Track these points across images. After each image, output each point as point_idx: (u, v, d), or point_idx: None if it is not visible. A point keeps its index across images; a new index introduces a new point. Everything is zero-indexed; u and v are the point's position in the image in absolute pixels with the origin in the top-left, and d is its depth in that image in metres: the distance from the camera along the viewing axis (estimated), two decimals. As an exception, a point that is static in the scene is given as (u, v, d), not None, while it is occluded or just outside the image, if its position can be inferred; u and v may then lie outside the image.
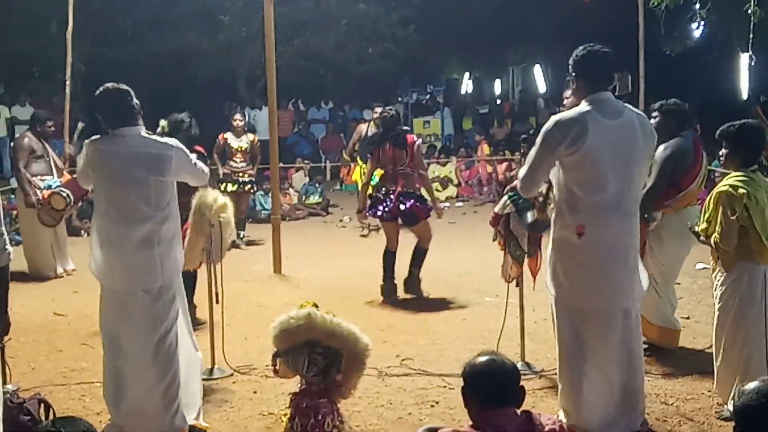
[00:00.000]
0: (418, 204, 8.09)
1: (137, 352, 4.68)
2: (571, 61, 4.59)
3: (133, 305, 4.69)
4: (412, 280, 8.17)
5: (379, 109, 12.90)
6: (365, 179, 8.69)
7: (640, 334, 4.70)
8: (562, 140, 4.34)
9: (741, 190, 4.70)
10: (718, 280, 4.95)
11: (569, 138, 4.31)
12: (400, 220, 8.12)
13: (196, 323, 7.21)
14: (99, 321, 4.84)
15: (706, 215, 4.91)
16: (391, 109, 8.78)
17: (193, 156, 5.04)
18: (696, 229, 5.07)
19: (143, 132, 4.80)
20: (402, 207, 7.97)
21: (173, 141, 4.86)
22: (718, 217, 4.76)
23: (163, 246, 4.71)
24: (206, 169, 5.17)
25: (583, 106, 4.42)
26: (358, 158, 12.70)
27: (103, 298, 4.82)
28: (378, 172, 8.49)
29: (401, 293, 8.19)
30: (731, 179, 4.82)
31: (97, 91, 4.81)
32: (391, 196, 8.02)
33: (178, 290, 4.87)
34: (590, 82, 4.50)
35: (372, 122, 12.54)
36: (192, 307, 7.28)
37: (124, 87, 4.82)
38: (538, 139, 4.47)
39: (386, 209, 8.04)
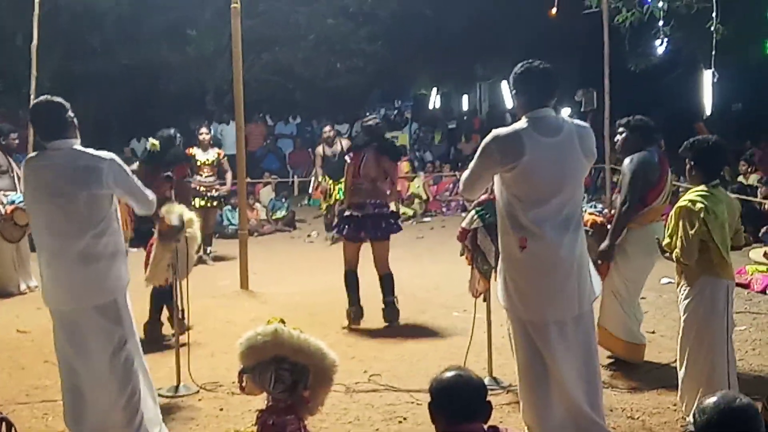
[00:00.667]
0: (391, 220, 7.81)
1: (92, 371, 4.63)
2: (510, 78, 4.61)
3: (80, 324, 4.63)
4: (392, 310, 7.78)
5: (327, 128, 13.07)
6: (346, 185, 8.05)
7: (596, 343, 4.72)
8: (498, 156, 4.38)
9: (699, 205, 4.78)
10: (682, 294, 5.02)
11: (505, 155, 4.35)
12: (365, 235, 7.69)
13: (164, 340, 7.18)
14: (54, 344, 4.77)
15: (669, 230, 4.98)
16: (374, 117, 8.32)
17: (137, 181, 4.86)
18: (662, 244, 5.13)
19: (77, 145, 4.69)
20: (381, 222, 7.65)
21: (107, 154, 4.69)
22: (679, 232, 4.83)
23: (103, 262, 4.61)
24: (151, 196, 4.93)
25: (521, 123, 4.45)
26: (325, 177, 12.91)
27: (54, 321, 4.76)
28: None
29: (367, 315, 7.89)
30: (691, 194, 4.91)
31: (31, 104, 4.78)
32: (365, 212, 7.65)
33: (123, 306, 4.75)
34: (529, 99, 4.51)
35: (324, 143, 12.75)
36: (159, 325, 7.23)
37: (58, 100, 4.76)
38: (478, 151, 4.51)
39: (353, 228, 7.68)
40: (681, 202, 4.91)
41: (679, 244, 4.83)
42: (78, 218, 4.56)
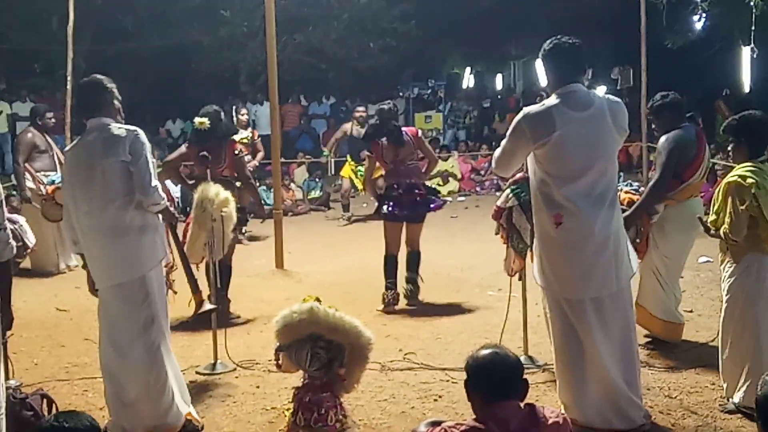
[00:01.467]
0: (429, 197, 7.82)
1: (119, 350, 4.67)
2: (540, 55, 4.59)
3: (109, 301, 4.70)
4: (414, 286, 7.80)
5: (361, 108, 13.03)
6: (367, 175, 8.56)
7: (634, 321, 4.68)
8: (530, 134, 4.38)
9: (750, 180, 4.69)
10: (727, 272, 4.92)
11: (536, 132, 4.35)
12: (403, 214, 7.70)
13: (230, 318, 7.22)
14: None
15: (715, 207, 4.88)
16: (388, 102, 8.30)
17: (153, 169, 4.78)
18: (705, 221, 5.06)
19: (112, 123, 4.71)
20: (415, 199, 7.68)
21: (134, 128, 4.71)
22: (727, 208, 4.74)
23: (131, 237, 4.63)
24: (155, 184, 4.70)
25: (552, 100, 4.44)
26: (348, 156, 12.98)
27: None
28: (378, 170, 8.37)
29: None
30: (740, 170, 4.80)
31: (80, 82, 4.85)
32: (398, 192, 7.70)
33: (153, 284, 4.73)
34: (559, 75, 4.50)
35: (354, 121, 12.67)
36: (226, 302, 7.27)
37: (99, 78, 4.82)
38: (510, 129, 4.50)
39: (391, 209, 7.70)
40: (729, 178, 4.81)
41: (727, 220, 4.74)
42: (100, 190, 4.59)
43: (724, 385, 5.02)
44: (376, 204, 7.99)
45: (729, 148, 5.07)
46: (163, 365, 4.73)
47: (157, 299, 4.74)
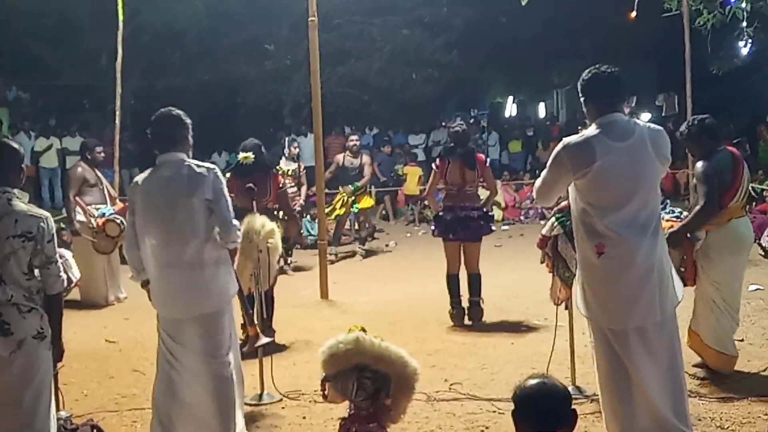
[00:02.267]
0: (483, 221, 8.09)
1: (190, 380, 4.72)
2: (578, 85, 4.57)
3: (184, 331, 4.74)
4: (477, 309, 8.09)
5: (354, 137, 12.85)
6: (429, 188, 8.59)
7: (680, 350, 4.61)
8: (569, 164, 4.36)
9: None
10: None
11: (576, 163, 4.33)
12: (459, 238, 8.01)
13: (276, 348, 7.24)
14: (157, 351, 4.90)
15: None
16: (461, 124, 8.58)
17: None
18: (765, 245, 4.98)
19: (186, 159, 4.82)
20: (470, 222, 7.97)
21: (211, 165, 4.85)
22: None
23: (208, 270, 4.74)
24: (237, 224, 4.87)
25: (592, 130, 4.41)
26: (340, 188, 12.50)
27: (160, 329, 4.87)
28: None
29: (448, 321, 8.10)
30: None
31: (155, 115, 4.90)
32: (456, 215, 7.99)
33: (228, 316, 4.88)
34: (599, 105, 4.47)
35: (347, 151, 12.40)
36: (272, 332, 7.27)
37: (177, 112, 4.89)
38: (550, 159, 4.49)
39: (450, 225, 8.01)
40: None
41: None
42: (184, 226, 4.68)
43: None
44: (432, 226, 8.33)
45: None
46: (233, 394, 4.81)
47: (230, 330, 4.87)
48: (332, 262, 11.60)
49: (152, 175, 4.82)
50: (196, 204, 4.68)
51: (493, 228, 8.38)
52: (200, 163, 4.83)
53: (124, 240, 5.07)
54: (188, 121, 4.90)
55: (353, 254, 12.85)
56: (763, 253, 5.03)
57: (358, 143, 12.78)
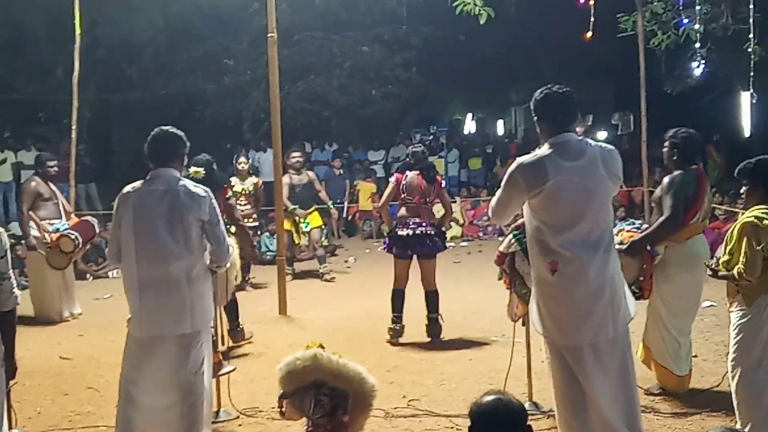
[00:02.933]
0: (437, 238, 8.11)
1: (158, 397, 4.68)
2: (531, 105, 4.62)
3: (162, 350, 4.70)
4: (436, 326, 8.08)
5: (296, 153, 12.35)
6: (384, 200, 8.57)
7: (633, 365, 4.66)
8: (523, 183, 4.41)
9: (766, 222, 4.73)
10: (737, 315, 4.92)
11: (530, 182, 4.38)
12: (414, 254, 8.04)
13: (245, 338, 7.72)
14: (122, 364, 4.84)
15: (728, 247, 4.90)
16: (420, 145, 8.96)
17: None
18: (712, 265, 5.06)
19: (179, 176, 4.89)
20: (426, 239, 7.99)
21: (206, 188, 4.93)
22: (742, 249, 4.76)
23: (195, 286, 4.75)
24: (231, 244, 5.12)
25: (544, 150, 4.46)
26: (295, 209, 11.94)
27: (130, 348, 4.80)
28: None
29: (406, 337, 8.10)
30: (756, 211, 4.84)
31: (154, 130, 4.96)
32: (410, 230, 8.00)
33: (207, 335, 4.90)
34: (551, 124, 4.52)
35: (290, 170, 11.91)
36: (240, 331, 7.88)
37: (179, 133, 4.98)
38: (504, 179, 4.53)
39: (400, 245, 8.02)
40: (746, 219, 4.84)
41: (742, 260, 4.75)
42: (177, 241, 4.69)
43: (746, 429, 4.95)
44: (385, 241, 8.40)
45: (742, 191, 5.10)
46: (202, 415, 4.79)
47: (207, 349, 4.90)
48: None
49: (145, 188, 4.82)
50: (192, 221, 4.72)
51: (448, 246, 8.44)
52: (195, 184, 4.90)
53: (108, 253, 5.08)
54: (187, 142, 5.00)
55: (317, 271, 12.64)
56: (710, 273, 5.10)
57: (301, 158, 12.42)
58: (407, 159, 8.52)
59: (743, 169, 5.08)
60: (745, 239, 4.77)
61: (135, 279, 4.72)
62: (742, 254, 4.77)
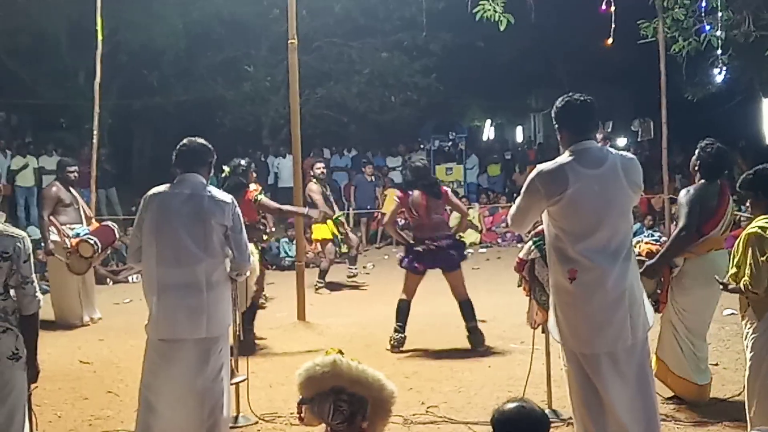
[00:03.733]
0: (454, 250, 8.11)
1: (178, 400, 4.70)
2: (552, 112, 4.62)
3: (182, 353, 4.72)
4: (477, 335, 8.03)
5: (321, 164, 12.21)
6: (389, 218, 8.63)
7: (652, 374, 4.63)
8: (543, 191, 4.40)
9: None
10: (749, 329, 4.86)
11: (549, 190, 4.37)
12: (432, 268, 8.07)
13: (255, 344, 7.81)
14: (142, 371, 4.85)
15: (736, 259, 4.84)
16: (422, 160, 8.89)
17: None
18: (724, 280, 5.00)
19: (204, 182, 4.95)
20: (444, 253, 7.99)
21: (231, 196, 5.00)
22: (747, 260, 4.70)
23: (215, 291, 4.78)
24: (253, 252, 5.23)
25: (565, 157, 4.45)
26: (341, 216, 12.17)
27: (151, 352, 4.82)
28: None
29: (425, 344, 8.12)
30: (760, 221, 4.78)
31: (185, 139, 5.05)
32: (429, 247, 7.99)
33: (225, 342, 4.92)
34: (571, 132, 4.51)
35: (314, 179, 11.84)
36: (252, 334, 7.92)
37: (209, 145, 5.06)
38: (524, 186, 4.53)
39: (419, 263, 8.01)
40: (750, 229, 4.78)
41: (747, 271, 4.68)
42: (199, 245, 4.74)
43: None
44: (401, 253, 8.37)
45: (748, 203, 5.05)
46: (221, 420, 4.81)
47: (226, 353, 4.93)
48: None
49: (171, 191, 4.87)
50: (214, 226, 4.77)
51: (467, 253, 8.44)
52: (221, 191, 5.00)
53: (128, 251, 5.14)
54: (213, 153, 5.10)
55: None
56: (722, 287, 5.05)
57: (324, 170, 12.27)
58: (407, 175, 8.45)
59: (744, 181, 5.03)
60: (750, 250, 4.70)
61: (155, 281, 4.75)
62: (747, 266, 4.70)
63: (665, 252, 5.79)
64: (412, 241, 8.22)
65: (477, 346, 7.96)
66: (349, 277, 12.11)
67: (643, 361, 4.51)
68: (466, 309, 8.06)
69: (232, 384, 5.73)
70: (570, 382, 4.59)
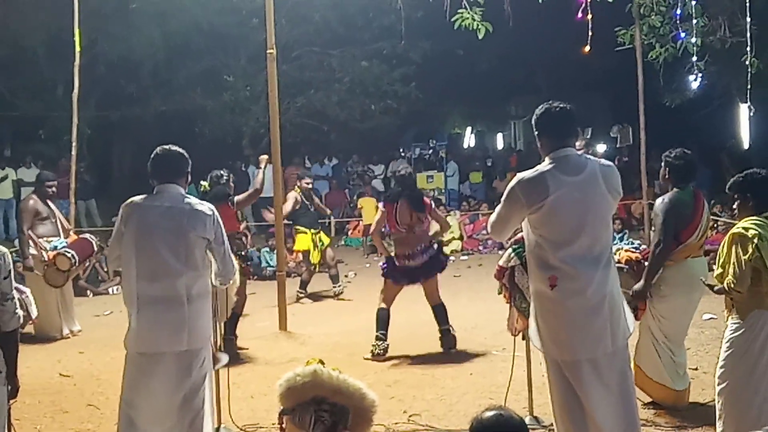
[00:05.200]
0: (434, 260, 8.18)
1: (160, 413, 4.66)
2: (532, 120, 4.66)
3: (163, 365, 4.68)
4: (449, 337, 8.13)
5: (308, 180, 12.25)
6: (375, 228, 8.60)
7: (632, 380, 4.66)
8: (524, 199, 4.42)
9: (752, 231, 4.73)
10: (731, 328, 4.91)
11: (530, 197, 4.39)
12: (414, 282, 8.15)
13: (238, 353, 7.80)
14: (122, 387, 4.81)
15: (721, 260, 4.90)
16: (407, 167, 8.92)
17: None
18: (710, 281, 5.06)
19: (183, 192, 4.91)
20: (425, 267, 8.07)
21: (211, 206, 4.95)
22: (731, 260, 4.77)
23: (196, 304, 4.74)
24: (235, 264, 5.15)
25: (545, 165, 4.48)
26: (297, 227, 11.98)
27: (131, 365, 4.77)
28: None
29: (406, 352, 8.13)
30: (744, 222, 4.85)
31: (158, 149, 4.96)
32: (410, 263, 8.07)
33: (208, 352, 4.89)
34: (551, 140, 4.54)
35: (297, 188, 11.89)
36: (234, 342, 8.02)
37: (182, 151, 4.98)
38: (504, 194, 4.55)
39: (402, 274, 8.08)
40: (734, 229, 4.86)
41: (731, 271, 4.75)
42: (179, 259, 4.70)
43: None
44: (382, 262, 8.41)
45: (734, 205, 5.11)
46: (201, 428, 4.78)
47: (208, 365, 4.89)
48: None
49: (150, 202, 4.82)
50: (194, 239, 4.73)
51: (447, 260, 8.52)
52: (200, 201, 4.92)
53: (108, 258, 5.11)
54: (188, 160, 5.01)
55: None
56: (708, 288, 5.11)
57: (311, 185, 12.30)
58: (393, 185, 8.50)
59: (734, 183, 5.09)
60: (733, 250, 4.77)
61: (135, 295, 4.71)
62: (731, 265, 4.77)
63: (648, 271, 5.86)
64: (393, 255, 8.24)
65: (448, 349, 8.07)
66: (336, 295, 12.02)
67: (623, 367, 4.54)
68: (440, 313, 8.17)
69: (215, 369, 5.71)
70: (551, 390, 4.61)
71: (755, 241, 4.70)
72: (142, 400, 4.67)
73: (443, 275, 8.46)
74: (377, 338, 8.03)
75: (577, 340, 4.42)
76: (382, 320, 8.09)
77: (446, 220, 8.84)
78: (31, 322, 8.76)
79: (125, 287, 4.79)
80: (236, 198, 8.65)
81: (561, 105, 4.57)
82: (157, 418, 4.65)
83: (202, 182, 7.98)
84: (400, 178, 8.47)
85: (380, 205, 8.55)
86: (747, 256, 4.69)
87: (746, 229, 4.77)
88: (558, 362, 4.50)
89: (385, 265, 8.31)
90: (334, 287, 12.07)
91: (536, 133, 4.61)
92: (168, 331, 4.68)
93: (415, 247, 8.10)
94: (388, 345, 8.04)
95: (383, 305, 8.16)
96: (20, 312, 4.19)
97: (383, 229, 8.59)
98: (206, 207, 4.87)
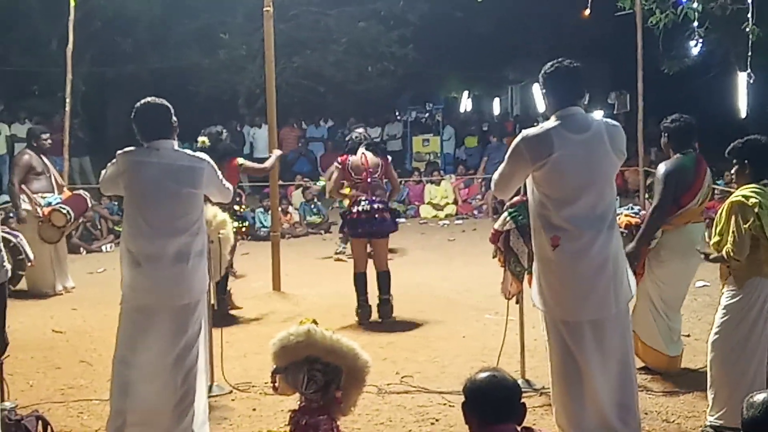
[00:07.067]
0: (388, 216, 8.01)
1: (153, 367, 4.65)
2: (540, 78, 4.62)
3: (158, 321, 4.66)
4: (387, 307, 8.03)
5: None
6: (333, 186, 8.44)
7: (632, 344, 4.68)
8: (528, 156, 4.39)
9: (753, 200, 4.71)
10: (728, 295, 4.92)
11: (534, 154, 4.37)
12: (365, 234, 7.97)
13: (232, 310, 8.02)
14: (116, 343, 4.78)
15: (719, 228, 4.89)
16: (361, 132, 8.70)
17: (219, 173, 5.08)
18: (705, 249, 5.07)
19: (176, 146, 4.85)
20: (375, 215, 7.86)
21: (204, 155, 4.95)
22: (730, 228, 4.76)
23: (193, 261, 4.73)
24: (230, 186, 5.24)
25: (551, 122, 4.46)
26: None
27: (125, 318, 4.74)
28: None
29: (399, 314, 8.13)
30: (743, 190, 4.84)
31: (138, 104, 4.87)
32: (363, 207, 7.88)
33: (203, 308, 4.90)
34: (558, 98, 4.52)
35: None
36: (227, 300, 8.18)
37: (163, 102, 4.88)
38: (509, 151, 4.52)
39: (356, 223, 7.91)
40: (733, 198, 4.84)
41: (730, 239, 4.75)
42: (178, 216, 4.69)
43: (712, 408, 4.98)
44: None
45: (732, 171, 5.10)
46: (194, 385, 4.78)
47: (201, 321, 4.87)
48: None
49: (148, 158, 4.74)
50: (192, 193, 4.73)
51: (399, 223, 8.48)
52: (192, 153, 4.90)
53: (103, 191, 5.22)
54: (172, 108, 4.91)
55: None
56: (703, 257, 5.11)
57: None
58: (349, 143, 8.37)
59: (733, 149, 5.07)
60: (732, 218, 4.77)
61: (135, 251, 4.68)
62: (730, 233, 4.77)
63: (642, 232, 5.83)
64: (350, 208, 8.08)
65: (385, 318, 7.99)
66: (336, 253, 12.02)
67: (624, 330, 4.55)
68: (383, 280, 8.05)
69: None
70: (550, 353, 4.61)
71: (756, 209, 4.69)
72: (136, 356, 4.66)
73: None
74: (359, 305, 8.02)
75: (581, 301, 4.42)
76: (359, 284, 8.04)
77: (398, 183, 8.89)
78: (29, 265, 8.76)
79: (126, 244, 4.74)
80: (246, 162, 8.61)
81: (571, 63, 4.55)
82: (151, 374, 4.65)
83: (200, 138, 7.90)
84: (354, 138, 8.33)
85: (335, 163, 8.38)
86: (747, 224, 4.69)
87: (746, 197, 4.75)
88: (558, 323, 4.50)
89: (342, 224, 8.28)
90: (340, 247, 12.12)
91: (543, 90, 4.58)
92: (169, 286, 4.67)
93: (372, 194, 7.95)
94: (370, 307, 8.01)
95: (356, 269, 8.07)
96: (8, 266, 4.16)
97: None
98: (198, 159, 4.84)
